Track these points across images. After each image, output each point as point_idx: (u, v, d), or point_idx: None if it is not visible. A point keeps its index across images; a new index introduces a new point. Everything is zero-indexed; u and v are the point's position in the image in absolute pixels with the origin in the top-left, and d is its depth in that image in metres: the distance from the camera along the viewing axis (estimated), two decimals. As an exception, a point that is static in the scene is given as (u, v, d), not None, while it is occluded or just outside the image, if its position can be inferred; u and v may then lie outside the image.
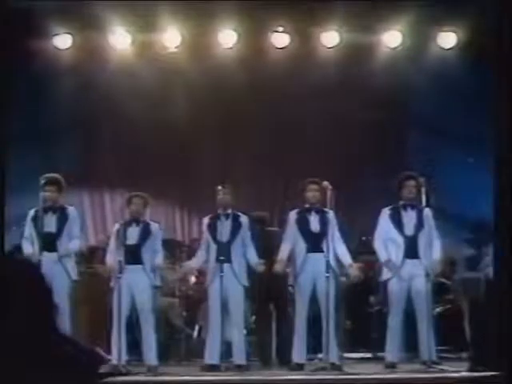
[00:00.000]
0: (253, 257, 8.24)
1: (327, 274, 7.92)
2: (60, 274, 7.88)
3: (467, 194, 10.43)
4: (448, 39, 10.99)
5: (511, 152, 6.57)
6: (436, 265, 8.14)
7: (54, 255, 8.01)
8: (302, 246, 8.28)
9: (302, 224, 8.33)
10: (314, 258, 8.18)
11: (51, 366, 2.25)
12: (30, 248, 8.07)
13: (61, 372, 2.25)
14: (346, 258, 8.22)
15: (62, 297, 7.57)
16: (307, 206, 8.39)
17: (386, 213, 8.39)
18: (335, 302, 8.08)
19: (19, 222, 8.37)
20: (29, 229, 8.18)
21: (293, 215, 8.41)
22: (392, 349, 8.19)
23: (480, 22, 9.88)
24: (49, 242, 8.05)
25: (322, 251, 8.10)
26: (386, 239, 8.32)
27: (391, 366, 8.05)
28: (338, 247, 8.19)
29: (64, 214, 8.22)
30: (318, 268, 8.09)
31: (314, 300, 8.18)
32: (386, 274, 8.33)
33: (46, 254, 7.87)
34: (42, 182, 8.07)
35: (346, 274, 8.60)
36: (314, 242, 8.23)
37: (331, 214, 8.19)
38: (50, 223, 8.14)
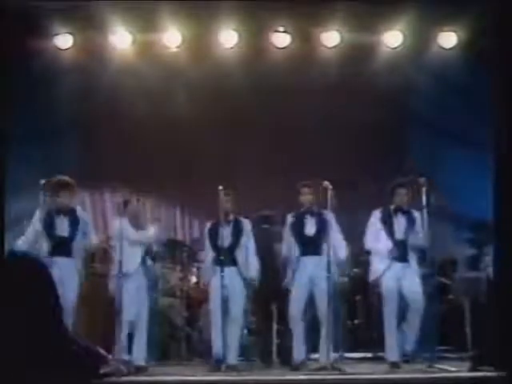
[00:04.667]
0: (252, 267, 8.30)
1: (328, 274, 7.93)
2: (70, 276, 7.83)
3: (467, 194, 10.42)
4: (449, 39, 10.99)
5: (511, 152, 6.56)
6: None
7: (65, 259, 7.92)
8: (297, 249, 8.30)
9: (297, 228, 8.34)
10: (309, 261, 8.20)
11: (53, 364, 2.25)
12: (32, 249, 8.02)
13: (62, 371, 2.26)
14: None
15: (71, 299, 7.61)
16: (302, 209, 8.40)
17: (376, 215, 8.40)
18: (334, 303, 8.08)
19: (19, 222, 8.34)
20: (34, 230, 8.06)
21: (289, 219, 8.44)
22: (392, 348, 8.18)
23: (480, 22, 9.87)
24: (61, 245, 7.98)
25: (318, 254, 8.12)
26: (377, 241, 8.33)
27: (394, 366, 8.04)
28: (339, 251, 8.22)
29: (75, 217, 8.13)
30: (313, 271, 8.11)
31: (311, 302, 8.19)
32: (373, 274, 8.35)
33: (57, 258, 7.79)
34: (55, 185, 7.99)
35: (347, 275, 8.62)
36: (310, 245, 8.24)
37: (329, 216, 8.17)
38: (63, 227, 8.04)
